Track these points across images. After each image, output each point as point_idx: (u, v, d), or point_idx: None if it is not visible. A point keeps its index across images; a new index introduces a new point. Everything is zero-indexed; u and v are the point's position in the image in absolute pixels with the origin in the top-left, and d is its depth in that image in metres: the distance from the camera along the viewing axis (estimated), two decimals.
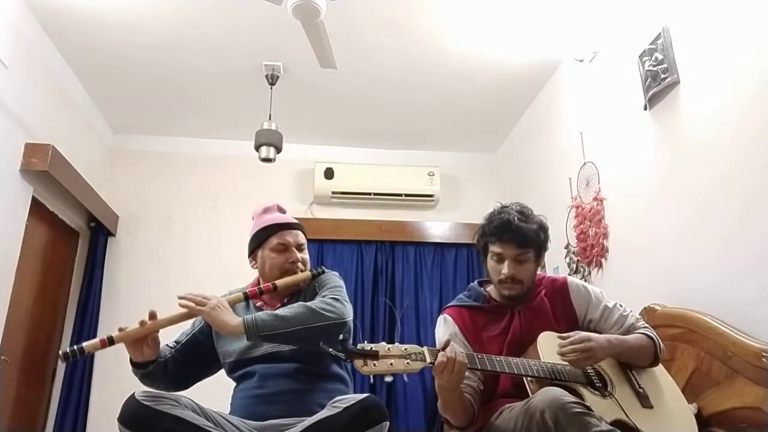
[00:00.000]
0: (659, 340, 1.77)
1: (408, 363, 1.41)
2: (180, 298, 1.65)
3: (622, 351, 1.68)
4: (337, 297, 1.71)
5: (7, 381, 3.17)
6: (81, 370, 3.74)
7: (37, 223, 3.37)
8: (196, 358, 1.86)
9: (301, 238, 1.93)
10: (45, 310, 3.60)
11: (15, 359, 3.22)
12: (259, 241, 1.91)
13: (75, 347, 1.54)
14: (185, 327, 1.88)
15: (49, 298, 3.65)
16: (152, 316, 1.64)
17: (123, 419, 1.45)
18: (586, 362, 1.61)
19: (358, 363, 1.37)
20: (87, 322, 3.82)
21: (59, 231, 3.75)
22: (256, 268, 1.92)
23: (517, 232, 1.77)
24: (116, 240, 4.10)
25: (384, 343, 1.42)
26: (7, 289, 2.98)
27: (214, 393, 1.94)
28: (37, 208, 3.32)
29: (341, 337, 1.41)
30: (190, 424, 1.45)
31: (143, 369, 1.72)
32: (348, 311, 1.70)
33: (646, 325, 1.83)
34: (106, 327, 3.91)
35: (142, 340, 1.66)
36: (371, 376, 1.42)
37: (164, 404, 1.46)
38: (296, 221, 1.98)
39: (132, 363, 1.72)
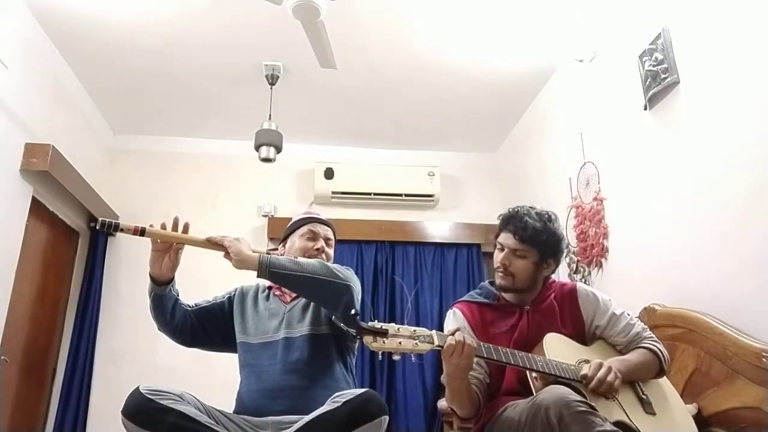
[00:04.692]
0: (664, 354, 1.75)
1: (416, 344, 1.45)
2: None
3: (627, 373, 1.66)
4: (349, 269, 1.81)
5: (7, 381, 3.17)
6: (81, 369, 3.74)
7: (37, 223, 3.38)
8: (208, 325, 1.93)
9: (330, 234, 2.03)
10: (45, 310, 3.60)
11: (15, 359, 3.23)
12: (291, 229, 2.02)
13: (113, 220, 1.64)
14: (207, 297, 2.01)
15: (49, 298, 3.65)
16: (176, 222, 1.73)
17: (127, 412, 1.47)
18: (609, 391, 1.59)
19: (368, 339, 1.40)
20: (87, 322, 3.83)
21: (59, 231, 3.75)
22: (282, 254, 1.97)
23: (520, 225, 1.79)
24: (116, 240, 4.10)
25: (394, 324, 1.46)
26: (7, 289, 2.98)
27: (216, 392, 1.95)
28: (37, 208, 3.32)
29: (353, 311, 1.43)
30: (192, 420, 1.47)
31: (158, 288, 1.78)
32: (356, 282, 1.79)
33: (652, 335, 1.81)
34: (106, 327, 3.92)
35: (165, 251, 1.74)
36: (380, 353, 1.45)
37: (168, 399, 1.49)
38: (330, 222, 2.09)
39: (151, 278, 1.79)
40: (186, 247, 1.77)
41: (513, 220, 1.81)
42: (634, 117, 2.67)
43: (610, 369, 1.59)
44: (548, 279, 1.90)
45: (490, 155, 4.69)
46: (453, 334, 1.52)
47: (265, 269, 1.64)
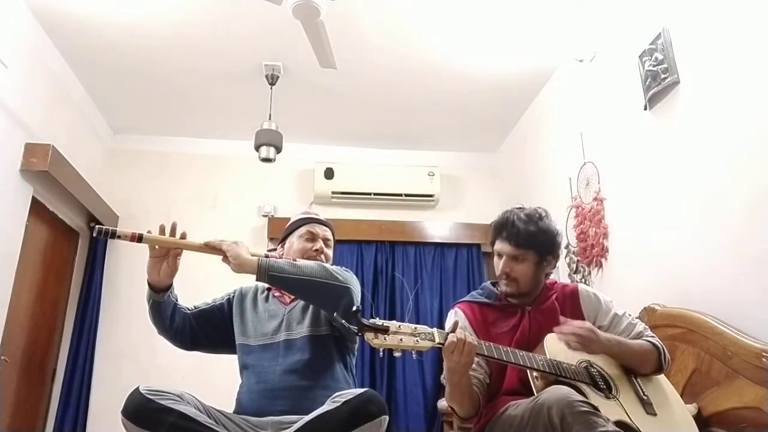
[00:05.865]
0: (665, 351, 1.76)
1: (417, 341, 1.45)
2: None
3: (620, 350, 1.68)
4: (348, 271, 1.80)
5: (7, 381, 3.17)
6: (81, 369, 3.74)
7: (37, 223, 3.38)
8: (208, 327, 1.92)
9: (329, 235, 2.03)
10: (45, 310, 3.60)
11: (15, 359, 3.23)
12: (290, 230, 2.02)
13: (109, 227, 1.66)
14: (206, 299, 2.00)
15: (49, 298, 3.65)
16: (174, 228, 1.72)
17: (127, 412, 1.47)
18: (582, 346, 1.61)
19: (369, 336, 1.40)
20: (87, 322, 3.83)
21: (59, 231, 3.75)
22: (281, 256, 1.96)
23: (513, 231, 1.79)
24: (116, 240, 4.09)
25: (395, 321, 1.46)
26: (7, 289, 2.98)
27: (216, 392, 1.95)
28: (37, 208, 3.32)
29: (354, 308, 1.43)
30: (192, 420, 1.47)
31: (156, 295, 1.77)
32: (355, 284, 1.78)
33: (654, 335, 1.82)
34: (106, 327, 3.92)
35: (164, 258, 1.73)
36: (381, 350, 1.45)
37: (168, 399, 1.48)
38: (329, 222, 2.08)
39: (149, 285, 1.78)
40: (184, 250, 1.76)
41: (505, 228, 1.81)
42: (634, 117, 2.67)
43: (591, 328, 1.62)
44: (548, 276, 1.90)
45: (490, 155, 4.69)
46: (453, 330, 1.52)
47: (264, 273, 1.63)
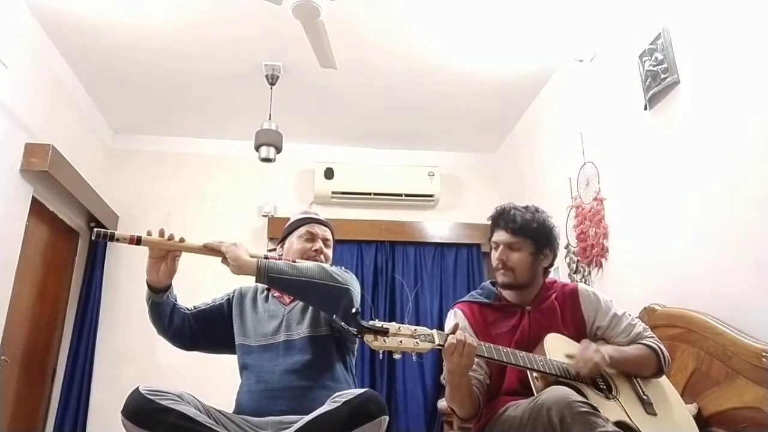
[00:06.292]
0: (664, 352, 1.75)
1: (417, 343, 1.46)
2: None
3: (621, 359, 1.68)
4: (347, 271, 1.80)
5: (7, 381, 3.17)
6: (81, 369, 3.74)
7: (37, 223, 3.38)
8: (207, 327, 1.92)
9: (329, 235, 2.03)
10: (45, 310, 3.60)
11: (15, 359, 3.23)
12: (289, 230, 2.02)
13: (108, 230, 1.64)
14: (206, 299, 2.00)
15: (49, 298, 3.65)
16: (172, 237, 1.71)
17: (127, 412, 1.47)
18: (594, 367, 1.61)
19: (369, 338, 1.41)
20: (87, 322, 3.83)
21: (59, 231, 3.75)
22: (281, 256, 1.96)
23: (509, 218, 1.82)
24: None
25: (395, 323, 1.46)
26: (7, 289, 2.98)
27: (216, 392, 1.95)
28: (37, 208, 3.32)
29: (354, 310, 1.43)
30: (192, 420, 1.47)
31: (155, 295, 1.77)
32: (355, 284, 1.78)
33: (653, 335, 1.81)
34: (106, 327, 3.92)
35: (162, 258, 1.73)
36: (380, 352, 1.45)
37: (167, 399, 1.49)
38: (328, 222, 2.08)
39: (148, 286, 1.78)
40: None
41: (502, 216, 1.85)
42: (634, 117, 2.67)
43: (596, 349, 1.61)
44: (547, 274, 1.90)
45: (490, 155, 4.69)
46: (453, 332, 1.53)
47: (264, 274, 1.63)
